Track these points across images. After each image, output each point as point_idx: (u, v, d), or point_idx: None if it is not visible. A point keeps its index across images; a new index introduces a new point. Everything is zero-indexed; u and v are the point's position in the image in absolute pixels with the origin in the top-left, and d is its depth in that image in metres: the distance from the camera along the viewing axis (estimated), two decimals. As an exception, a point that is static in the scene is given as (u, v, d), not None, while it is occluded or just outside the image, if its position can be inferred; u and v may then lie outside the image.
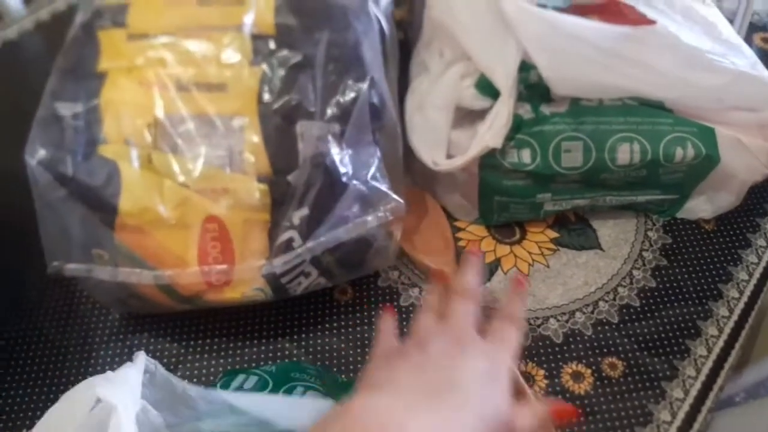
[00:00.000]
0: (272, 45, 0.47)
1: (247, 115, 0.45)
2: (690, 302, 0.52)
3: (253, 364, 0.49)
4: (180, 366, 0.50)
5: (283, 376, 0.44)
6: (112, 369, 0.38)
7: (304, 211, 0.45)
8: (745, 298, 0.52)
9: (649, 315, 0.51)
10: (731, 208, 0.56)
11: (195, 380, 0.49)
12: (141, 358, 0.34)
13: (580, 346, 0.50)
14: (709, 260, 0.55)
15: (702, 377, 0.48)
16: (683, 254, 0.55)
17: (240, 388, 0.44)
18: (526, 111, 0.52)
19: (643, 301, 0.52)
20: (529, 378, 0.48)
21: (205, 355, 0.50)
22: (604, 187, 0.53)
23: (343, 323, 0.52)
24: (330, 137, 0.45)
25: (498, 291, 0.53)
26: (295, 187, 0.45)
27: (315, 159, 0.44)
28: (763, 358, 0.52)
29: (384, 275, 0.55)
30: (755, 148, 0.51)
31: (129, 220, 0.44)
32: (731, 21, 0.60)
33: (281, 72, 0.46)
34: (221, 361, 0.50)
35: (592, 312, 0.52)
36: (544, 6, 0.54)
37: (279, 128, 0.45)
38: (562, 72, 0.50)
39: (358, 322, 0.52)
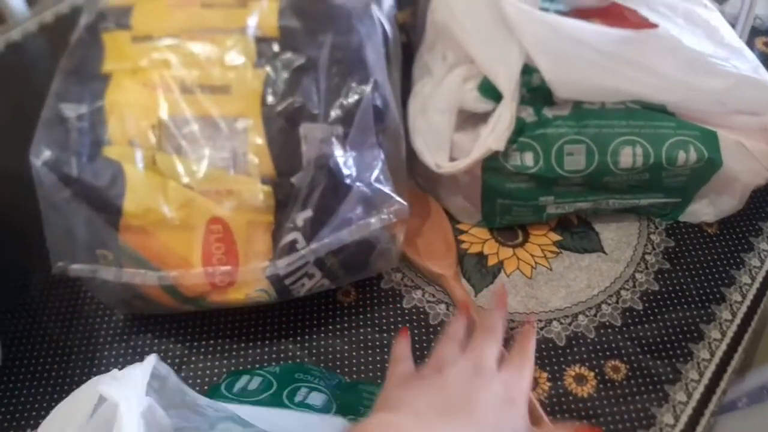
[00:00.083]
0: (276, 47, 0.48)
1: (251, 117, 0.46)
2: (693, 305, 0.52)
3: (257, 365, 0.50)
4: (184, 366, 0.50)
5: (287, 377, 0.45)
6: (117, 369, 0.38)
7: (308, 212, 0.45)
8: (747, 302, 0.52)
9: (652, 318, 0.51)
10: (734, 211, 0.56)
11: (199, 381, 0.49)
12: (152, 359, 0.34)
13: (583, 349, 0.50)
14: (711, 264, 0.55)
15: (705, 380, 0.48)
16: (686, 257, 0.55)
17: (244, 389, 0.44)
18: (529, 114, 0.52)
19: (646, 305, 0.52)
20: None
21: (209, 356, 0.50)
22: (606, 190, 0.54)
23: (346, 325, 0.52)
24: (333, 139, 0.45)
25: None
26: (299, 189, 0.45)
27: (318, 161, 0.45)
28: (766, 362, 0.52)
29: (387, 277, 0.55)
30: (757, 152, 0.51)
31: (133, 221, 0.44)
32: (733, 25, 0.60)
33: (285, 74, 0.46)
34: (225, 361, 0.50)
35: (595, 315, 0.52)
36: (546, 9, 0.54)
37: (283, 130, 0.45)
38: (564, 75, 0.50)
39: (361, 323, 0.52)
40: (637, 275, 0.54)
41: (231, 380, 0.45)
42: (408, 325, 0.52)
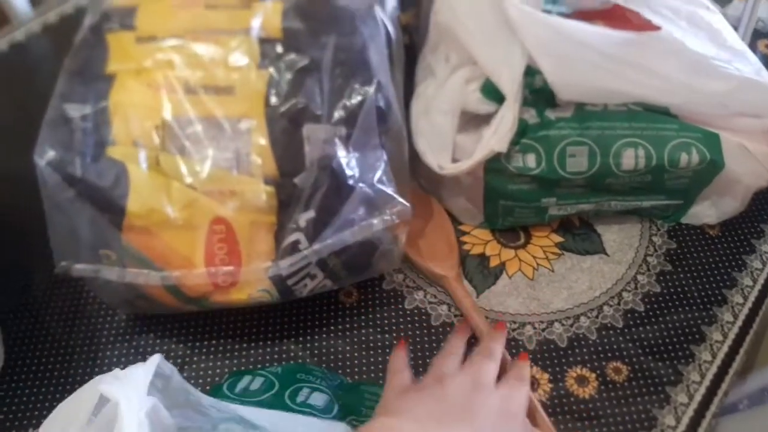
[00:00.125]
0: (279, 49, 0.48)
1: (255, 117, 0.46)
2: (694, 307, 0.52)
3: (259, 365, 0.50)
4: (186, 367, 0.50)
5: (289, 377, 0.45)
6: (119, 369, 0.38)
7: (311, 213, 0.45)
8: (749, 304, 0.53)
9: (653, 320, 0.52)
10: (736, 213, 0.56)
11: (201, 381, 0.49)
12: (155, 359, 0.34)
13: (585, 350, 0.50)
14: (713, 265, 0.55)
15: (706, 382, 0.48)
16: (688, 259, 0.55)
17: (246, 389, 0.44)
18: (532, 116, 0.52)
19: (648, 306, 0.52)
20: (533, 382, 0.48)
21: (211, 356, 0.50)
22: (608, 191, 0.54)
23: (348, 326, 0.52)
24: (337, 140, 0.45)
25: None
26: (302, 190, 0.45)
27: (322, 162, 0.45)
28: (768, 364, 0.52)
29: (389, 278, 0.55)
30: (760, 154, 0.51)
31: (137, 221, 0.44)
32: (735, 28, 0.60)
33: (288, 75, 0.47)
34: (227, 362, 0.50)
35: (597, 316, 0.52)
36: (549, 11, 0.54)
37: (286, 131, 0.45)
38: (567, 77, 0.50)
39: (363, 324, 0.52)
40: (639, 277, 0.54)
41: (233, 380, 0.46)
42: (410, 326, 0.52)
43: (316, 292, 0.48)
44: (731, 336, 0.51)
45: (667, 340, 0.50)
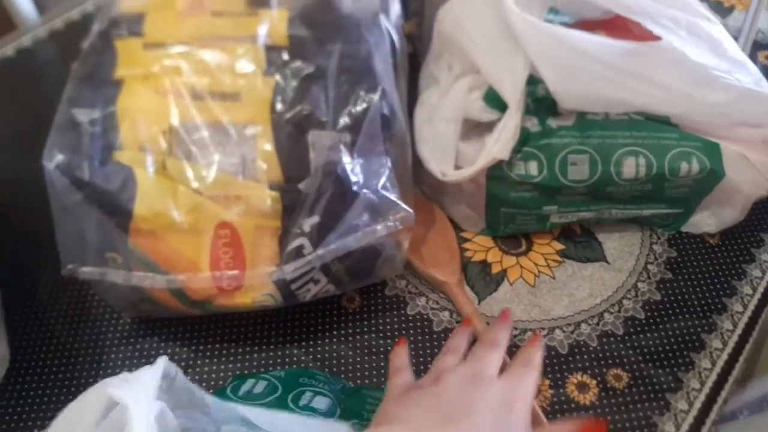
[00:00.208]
0: (285, 56, 0.48)
1: (260, 123, 0.46)
2: (694, 315, 0.53)
3: (262, 369, 0.50)
4: (190, 370, 0.50)
5: (292, 381, 0.45)
6: (123, 372, 0.39)
7: (315, 218, 0.45)
8: (749, 312, 0.53)
9: (654, 327, 0.52)
10: (736, 222, 0.56)
11: (205, 384, 0.50)
12: (162, 362, 0.35)
13: (586, 357, 0.50)
14: (713, 274, 0.55)
15: (706, 390, 0.49)
16: (688, 268, 0.56)
17: (249, 392, 0.44)
18: (533, 124, 0.53)
19: (648, 314, 0.53)
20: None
21: (215, 360, 0.51)
22: (609, 200, 0.54)
23: (350, 331, 0.52)
24: (341, 147, 0.46)
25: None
26: (306, 195, 0.45)
27: (326, 168, 0.45)
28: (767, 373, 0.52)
29: (391, 284, 0.55)
30: (759, 164, 0.52)
31: (143, 224, 0.44)
32: (736, 39, 0.61)
33: (294, 82, 0.47)
34: (230, 365, 0.50)
35: (598, 323, 0.52)
36: (551, 21, 0.55)
37: (291, 137, 0.46)
38: (568, 86, 0.51)
39: (365, 329, 0.53)
40: (640, 285, 0.55)
41: (236, 384, 0.46)
42: (412, 331, 0.52)
43: (320, 297, 0.49)
44: (731, 344, 0.51)
45: (668, 348, 0.51)
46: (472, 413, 0.37)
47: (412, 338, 0.52)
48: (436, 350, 0.51)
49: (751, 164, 0.52)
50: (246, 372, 0.50)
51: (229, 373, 0.50)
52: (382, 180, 0.47)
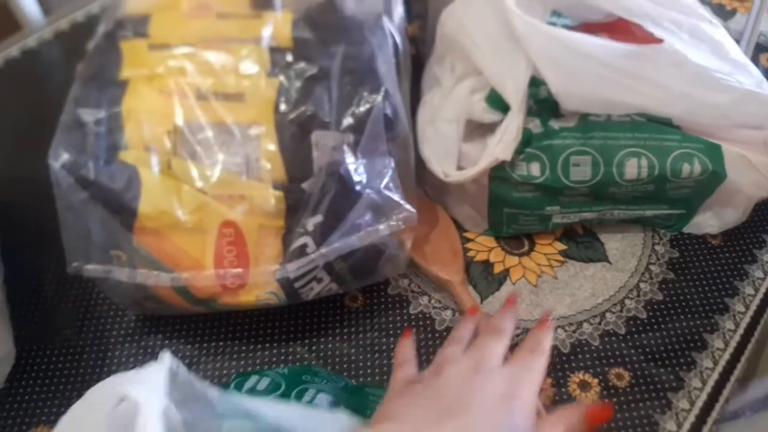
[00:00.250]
0: (289, 57, 0.49)
1: (264, 124, 0.47)
2: (696, 315, 0.53)
3: (266, 367, 0.50)
4: (193, 367, 0.51)
5: (294, 378, 0.45)
6: (127, 369, 0.39)
7: (318, 218, 0.46)
8: (751, 312, 0.53)
9: (655, 327, 0.52)
10: (737, 223, 0.57)
11: (209, 381, 0.50)
12: (167, 358, 0.35)
13: (588, 356, 0.51)
14: (715, 274, 0.55)
15: (708, 389, 0.49)
16: (690, 268, 0.56)
17: (253, 389, 0.45)
18: (536, 125, 0.53)
19: (650, 314, 0.53)
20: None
21: (218, 357, 0.51)
22: (611, 200, 0.54)
23: (353, 329, 0.53)
24: (345, 147, 0.46)
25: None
26: (310, 195, 0.46)
27: (330, 168, 0.46)
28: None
29: (394, 283, 0.56)
30: (761, 165, 0.52)
31: (148, 223, 0.45)
32: (738, 42, 0.61)
33: (298, 83, 0.48)
34: (234, 363, 0.51)
35: (600, 323, 0.53)
36: (554, 24, 0.55)
37: (295, 137, 0.46)
38: (571, 88, 0.51)
39: (368, 328, 0.53)
40: (642, 285, 0.55)
41: (240, 381, 0.46)
42: (414, 330, 0.52)
43: (323, 296, 0.49)
44: (733, 343, 0.51)
45: (669, 347, 0.51)
46: (471, 407, 0.36)
47: (414, 337, 0.52)
48: (438, 349, 0.51)
49: (753, 165, 0.52)
50: (249, 369, 0.50)
51: (233, 371, 0.50)
52: (385, 180, 0.47)
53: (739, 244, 0.58)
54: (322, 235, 0.46)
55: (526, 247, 0.58)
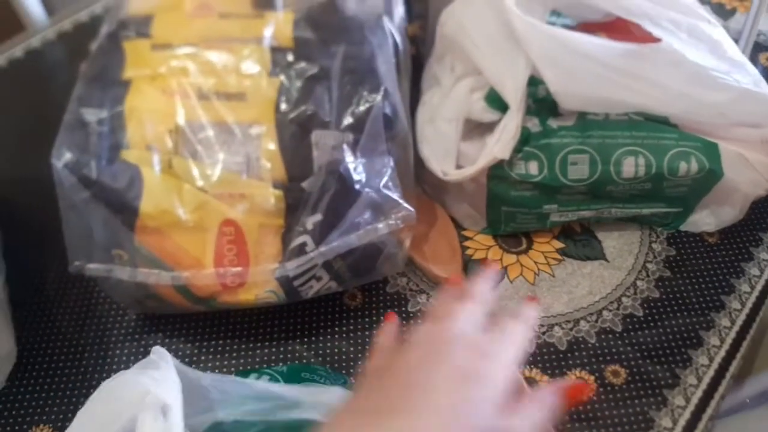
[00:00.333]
0: (290, 57, 0.49)
1: (265, 123, 0.47)
2: (692, 313, 0.53)
3: (265, 365, 0.51)
4: (193, 366, 0.51)
5: (293, 376, 0.46)
6: (128, 367, 0.40)
7: (318, 216, 0.46)
8: (746, 310, 0.53)
9: (652, 324, 0.52)
10: (734, 221, 0.57)
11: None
12: (163, 354, 0.36)
13: (584, 353, 0.51)
14: (712, 272, 0.56)
15: (703, 386, 0.49)
16: (687, 266, 0.56)
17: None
18: (534, 124, 0.53)
19: (647, 311, 0.53)
20: (533, 383, 0.49)
21: (218, 355, 0.52)
22: (609, 199, 0.55)
23: (352, 327, 0.53)
24: (344, 146, 0.47)
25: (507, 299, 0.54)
26: (310, 194, 0.46)
27: (329, 167, 0.46)
28: (765, 369, 0.53)
29: (392, 281, 0.56)
30: (758, 164, 0.52)
31: (149, 222, 0.45)
32: (737, 41, 0.61)
33: (298, 83, 0.48)
34: (233, 361, 0.51)
35: (596, 321, 0.53)
36: (553, 23, 0.56)
37: (295, 136, 0.47)
38: (569, 87, 0.52)
39: (366, 326, 0.53)
40: (638, 283, 0.55)
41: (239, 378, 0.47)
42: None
43: (322, 294, 0.50)
44: (728, 341, 0.52)
45: (665, 345, 0.51)
46: (423, 393, 0.32)
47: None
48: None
49: (750, 164, 0.52)
50: (249, 367, 0.51)
51: (232, 369, 0.51)
52: (384, 179, 0.47)
53: (735, 242, 0.58)
54: (321, 234, 0.46)
55: (524, 246, 0.58)
